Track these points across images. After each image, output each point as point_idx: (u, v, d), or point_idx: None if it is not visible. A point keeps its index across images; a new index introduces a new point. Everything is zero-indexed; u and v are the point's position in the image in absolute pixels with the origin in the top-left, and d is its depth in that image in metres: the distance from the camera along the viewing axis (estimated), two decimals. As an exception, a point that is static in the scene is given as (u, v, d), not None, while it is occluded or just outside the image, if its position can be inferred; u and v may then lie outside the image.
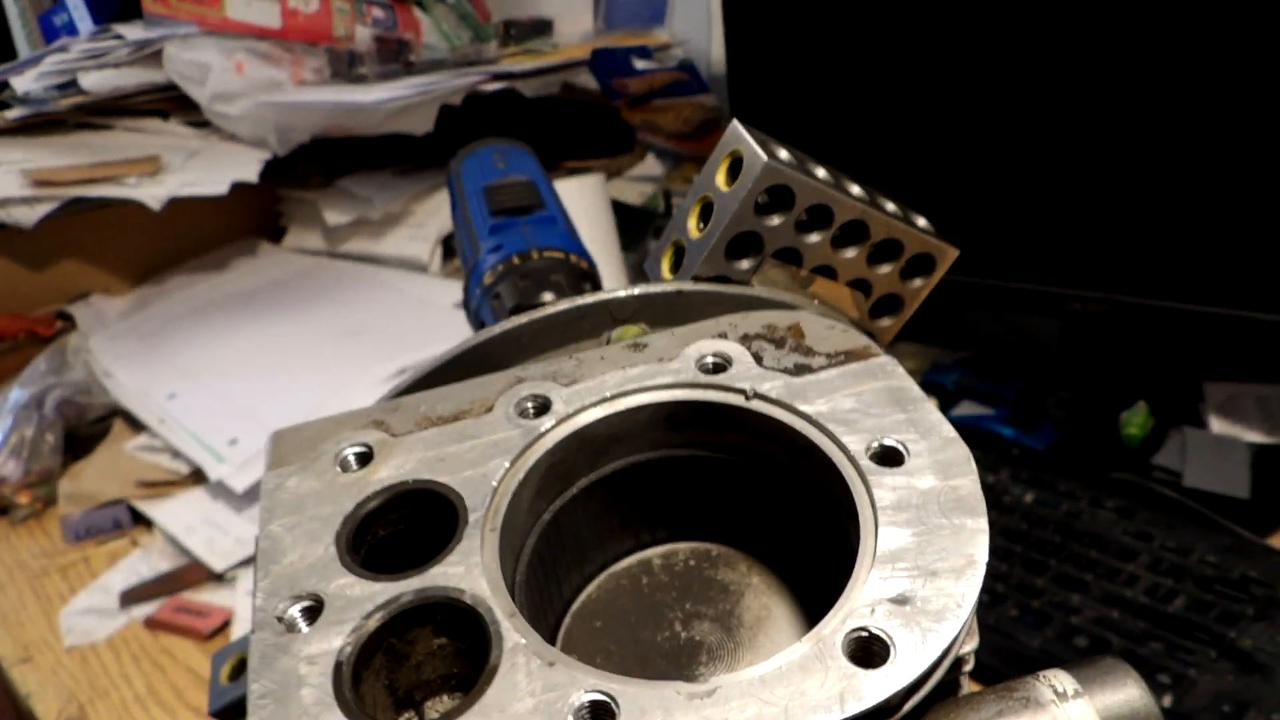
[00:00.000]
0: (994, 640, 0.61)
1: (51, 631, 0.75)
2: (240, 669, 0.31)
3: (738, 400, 0.27)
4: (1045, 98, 0.76)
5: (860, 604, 0.20)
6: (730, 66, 0.95)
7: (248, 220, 1.35)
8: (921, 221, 0.38)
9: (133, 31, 1.17)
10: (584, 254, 0.53)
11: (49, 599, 0.79)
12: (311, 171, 1.33)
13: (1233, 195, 0.71)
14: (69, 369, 1.03)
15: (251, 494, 0.84)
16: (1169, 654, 0.58)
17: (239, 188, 1.13)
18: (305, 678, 0.20)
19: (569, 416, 0.27)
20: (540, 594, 0.27)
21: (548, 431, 0.26)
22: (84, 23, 1.26)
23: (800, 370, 0.27)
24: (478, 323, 0.51)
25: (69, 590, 0.80)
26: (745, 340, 0.29)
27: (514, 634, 0.20)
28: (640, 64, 1.16)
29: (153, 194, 1.09)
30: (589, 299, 0.33)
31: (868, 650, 0.19)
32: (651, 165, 1.27)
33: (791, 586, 0.29)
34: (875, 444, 0.24)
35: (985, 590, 0.66)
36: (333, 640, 0.20)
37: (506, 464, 0.25)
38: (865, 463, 0.24)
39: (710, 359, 0.28)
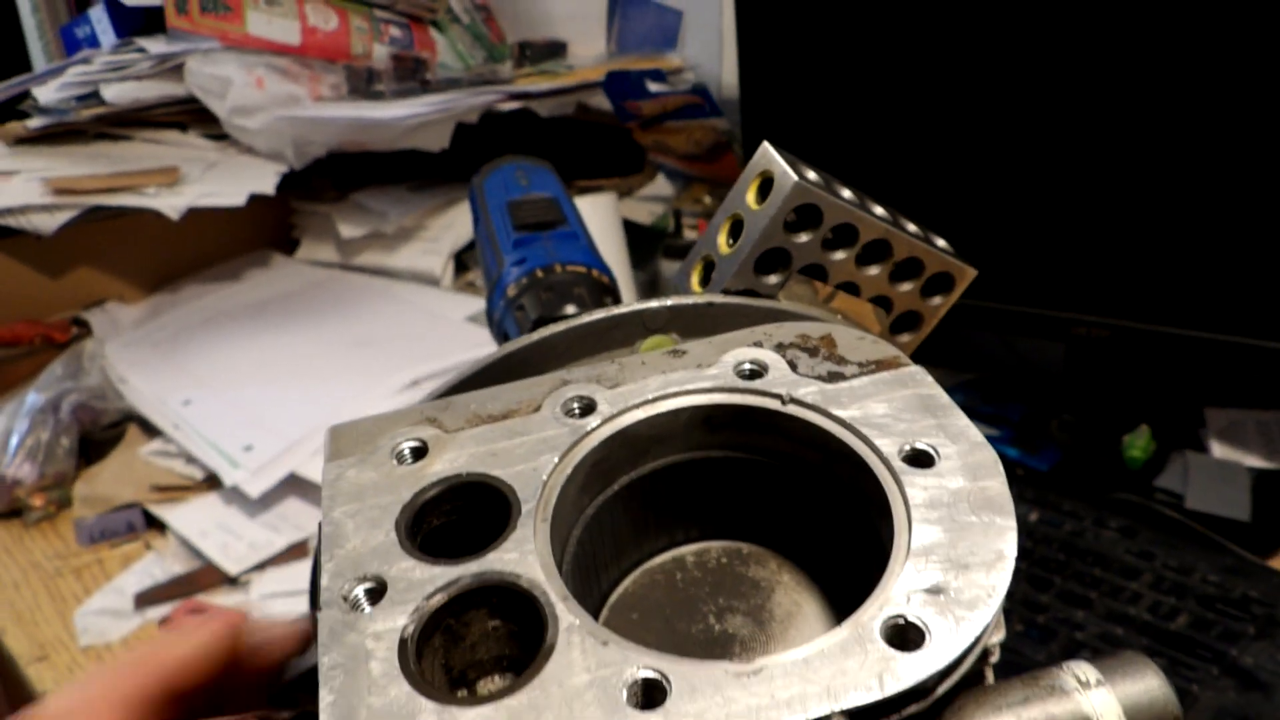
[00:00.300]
0: (1000, 655, 0.62)
1: (67, 631, 0.76)
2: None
3: (774, 405, 0.28)
4: (1052, 127, 0.78)
5: (897, 593, 0.21)
6: (743, 91, 0.97)
7: (262, 232, 1.37)
8: (941, 242, 0.39)
9: (155, 45, 1.20)
10: (605, 269, 0.54)
11: (64, 599, 0.80)
12: (326, 185, 1.35)
13: (1236, 223, 0.72)
14: (84, 374, 1.04)
15: (266, 500, 0.85)
16: (1171, 670, 0.59)
17: (255, 200, 1.15)
18: (372, 652, 0.21)
19: (613, 417, 0.28)
20: (581, 587, 0.28)
21: (593, 430, 0.27)
22: (106, 35, 1.28)
23: (834, 378, 0.28)
24: (501, 334, 0.52)
25: (83, 591, 0.81)
26: (780, 349, 0.30)
27: (569, 615, 0.21)
28: (653, 87, 1.18)
29: (171, 204, 1.11)
30: (623, 309, 0.34)
31: (904, 636, 0.20)
32: (662, 185, 1.29)
33: (820, 585, 0.30)
34: (907, 447, 0.25)
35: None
36: (397, 619, 0.22)
37: (555, 459, 0.26)
38: (898, 464, 0.25)
39: (747, 365, 0.29)
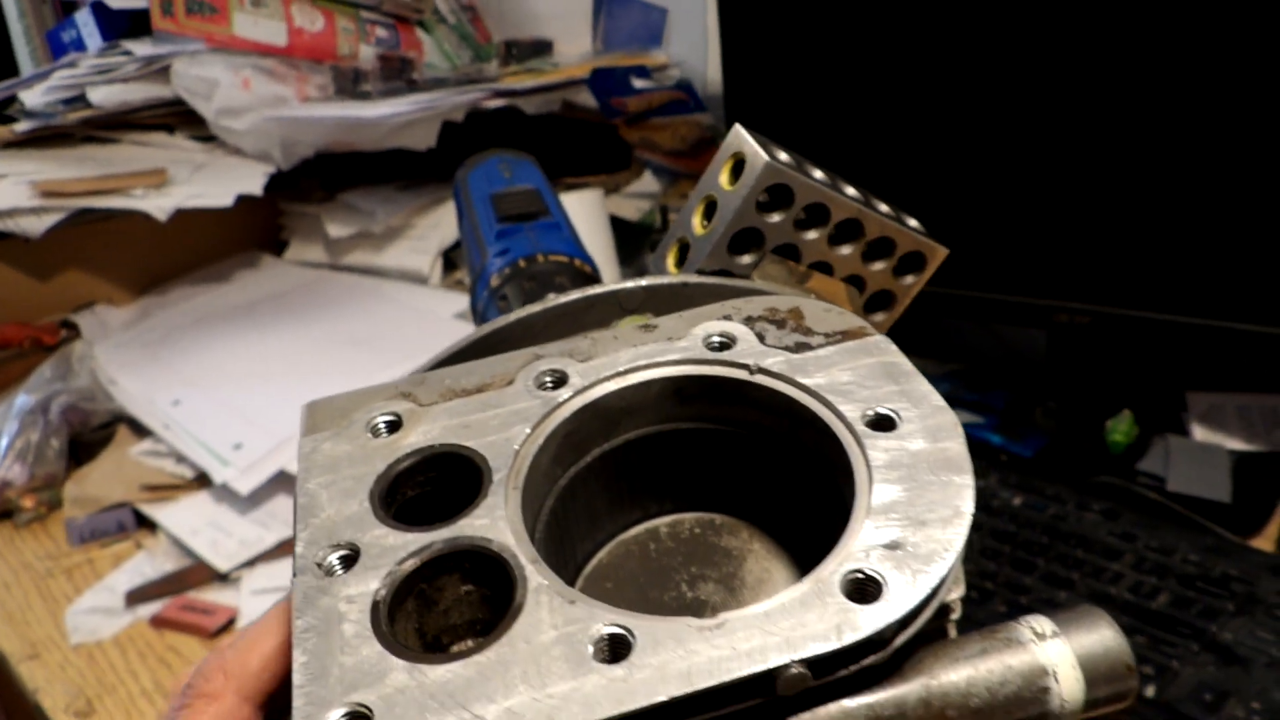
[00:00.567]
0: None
1: (58, 630, 0.76)
2: None
3: (742, 374, 0.28)
4: (1030, 117, 0.79)
5: (856, 549, 0.22)
6: (726, 86, 0.98)
7: (250, 233, 1.37)
8: (913, 222, 0.40)
9: (141, 48, 1.20)
10: (587, 258, 0.55)
11: (54, 599, 0.80)
12: (314, 186, 1.35)
13: (1215, 208, 0.73)
14: (74, 376, 1.05)
15: (255, 497, 0.86)
16: (1152, 647, 0.59)
17: (243, 201, 1.15)
18: (345, 614, 0.21)
19: (584, 389, 0.28)
20: (555, 557, 0.29)
21: (565, 402, 0.28)
22: (93, 39, 1.28)
23: (800, 348, 0.29)
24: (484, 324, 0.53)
25: (74, 590, 0.81)
26: (749, 322, 0.30)
27: (537, 576, 0.22)
28: (638, 83, 1.19)
29: (159, 205, 1.11)
30: (599, 289, 0.34)
31: (862, 589, 0.21)
32: (649, 182, 1.29)
33: (791, 552, 0.30)
34: (870, 412, 0.26)
35: (974, 588, 0.68)
36: (369, 583, 0.22)
37: (527, 430, 0.27)
38: (861, 429, 0.25)
39: (716, 338, 0.30)
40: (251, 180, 1.17)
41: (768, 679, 0.20)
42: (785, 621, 0.20)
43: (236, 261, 1.35)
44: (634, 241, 1.20)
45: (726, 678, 0.19)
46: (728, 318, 0.31)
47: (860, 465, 0.24)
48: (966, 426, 0.90)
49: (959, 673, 0.22)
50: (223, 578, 0.79)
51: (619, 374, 0.29)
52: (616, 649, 0.20)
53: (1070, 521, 0.72)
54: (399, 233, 1.27)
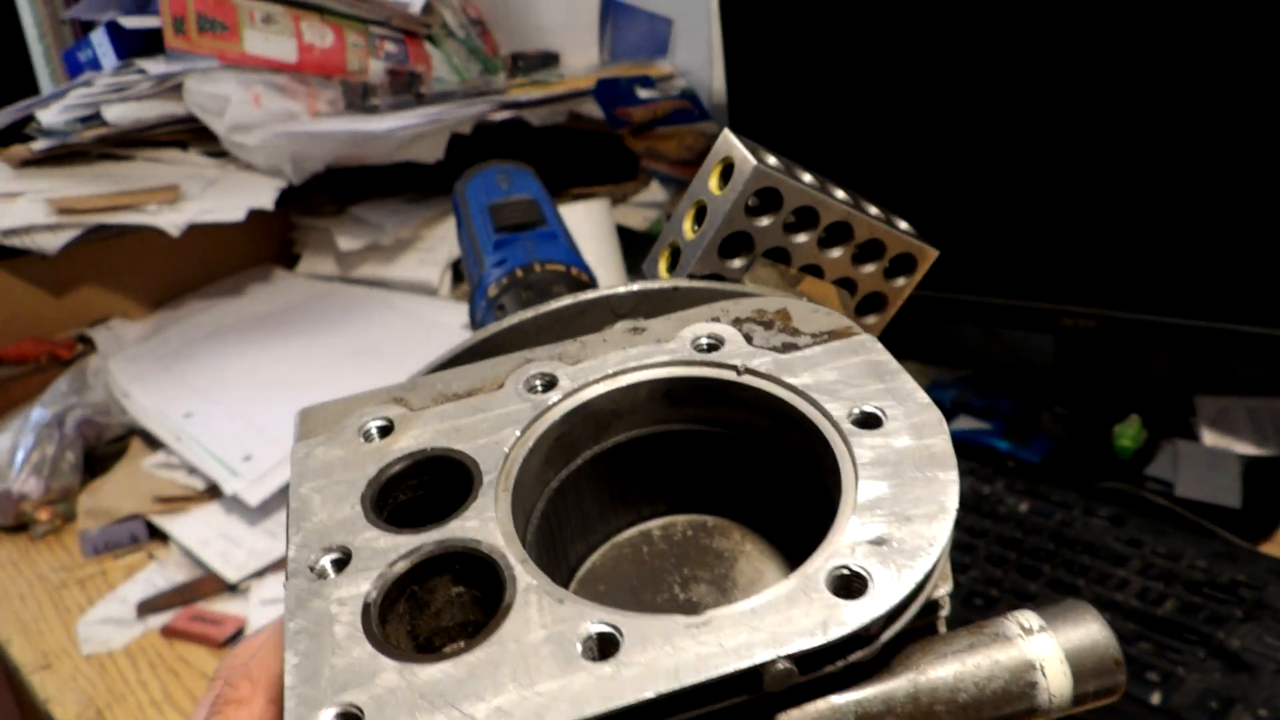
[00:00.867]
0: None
1: (70, 640, 0.77)
2: None
3: (729, 375, 0.29)
4: (1033, 123, 0.79)
5: (841, 545, 0.22)
6: (730, 95, 0.98)
7: (263, 247, 1.39)
8: (903, 224, 0.40)
9: (154, 66, 1.22)
10: (584, 267, 0.55)
11: (67, 610, 0.81)
12: (325, 199, 1.37)
13: (1221, 210, 0.73)
14: (89, 390, 1.06)
15: (265, 508, 0.87)
16: (1158, 654, 0.59)
17: (254, 215, 1.17)
18: (336, 616, 0.21)
19: (574, 392, 0.28)
20: (547, 560, 0.29)
21: (554, 405, 0.28)
22: (108, 58, 1.30)
23: (787, 348, 0.29)
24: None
25: (87, 601, 0.82)
26: (737, 323, 0.31)
27: (526, 576, 0.22)
28: (643, 93, 1.19)
29: (172, 221, 1.13)
30: (591, 294, 0.35)
31: (848, 585, 0.21)
32: (655, 192, 1.30)
33: (782, 553, 0.30)
34: (856, 410, 0.26)
35: (980, 595, 0.67)
36: (361, 585, 0.22)
37: (517, 432, 0.27)
38: (847, 427, 0.25)
39: (705, 339, 0.30)
40: (263, 195, 1.19)
41: (754, 675, 0.20)
42: (772, 618, 0.20)
43: (249, 275, 1.36)
44: (641, 251, 1.20)
45: (713, 674, 0.19)
46: (716, 319, 0.31)
47: (846, 463, 0.25)
48: (974, 433, 0.90)
49: (946, 668, 0.22)
50: (232, 588, 0.80)
51: (608, 376, 0.29)
52: (605, 647, 0.20)
53: (1077, 527, 0.71)
54: (408, 245, 1.28)
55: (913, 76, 0.84)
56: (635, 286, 0.35)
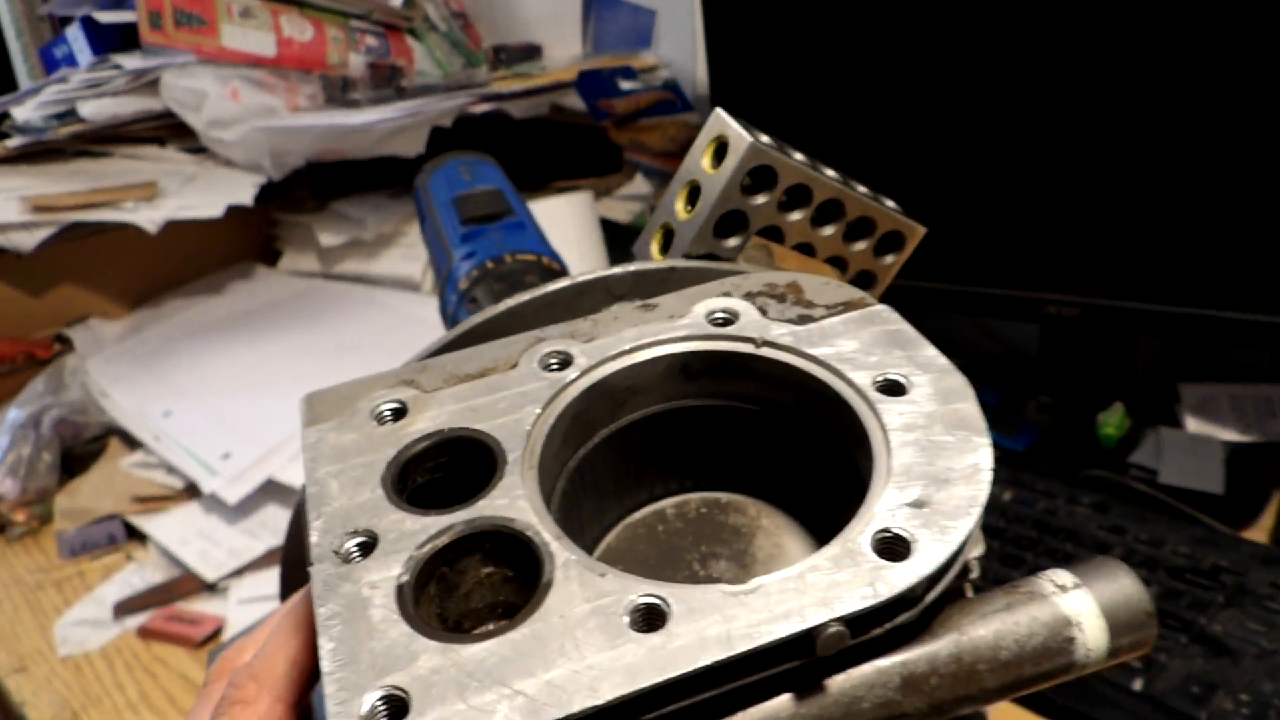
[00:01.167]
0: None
1: (46, 643, 0.76)
2: None
3: (748, 348, 0.28)
4: (1015, 110, 0.79)
5: (881, 511, 0.22)
6: (712, 86, 0.98)
7: (243, 244, 1.38)
8: (890, 203, 0.40)
9: (131, 61, 1.20)
10: (555, 256, 0.55)
11: (44, 612, 0.80)
12: (305, 195, 1.36)
13: (1204, 196, 0.73)
14: (66, 390, 1.05)
15: (244, 506, 0.86)
16: (1141, 642, 0.59)
17: (234, 212, 1.15)
18: (369, 600, 0.21)
19: (591, 369, 0.28)
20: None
21: (572, 382, 0.27)
22: (84, 54, 1.28)
23: (804, 320, 0.29)
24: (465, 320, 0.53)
25: (64, 603, 0.81)
26: (749, 297, 0.30)
27: (565, 552, 0.22)
28: (626, 84, 1.19)
29: (149, 218, 1.11)
30: (588, 276, 0.34)
31: (892, 548, 0.21)
32: (640, 184, 1.29)
33: (802, 526, 0.30)
34: (880, 378, 0.26)
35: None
36: (391, 568, 0.22)
37: (538, 410, 0.26)
38: (872, 395, 0.25)
39: (719, 314, 0.29)
40: (242, 191, 1.18)
41: (807, 640, 0.20)
42: (820, 582, 0.20)
43: (231, 273, 1.35)
44: (626, 244, 1.19)
45: (767, 639, 0.19)
46: (727, 294, 0.31)
47: (876, 431, 0.25)
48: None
49: (987, 627, 0.23)
50: (211, 588, 0.79)
51: (624, 353, 0.29)
52: (652, 618, 0.20)
53: (1060, 515, 0.71)
54: (390, 240, 1.27)
55: (895, 68, 0.84)
56: (633, 267, 0.34)
